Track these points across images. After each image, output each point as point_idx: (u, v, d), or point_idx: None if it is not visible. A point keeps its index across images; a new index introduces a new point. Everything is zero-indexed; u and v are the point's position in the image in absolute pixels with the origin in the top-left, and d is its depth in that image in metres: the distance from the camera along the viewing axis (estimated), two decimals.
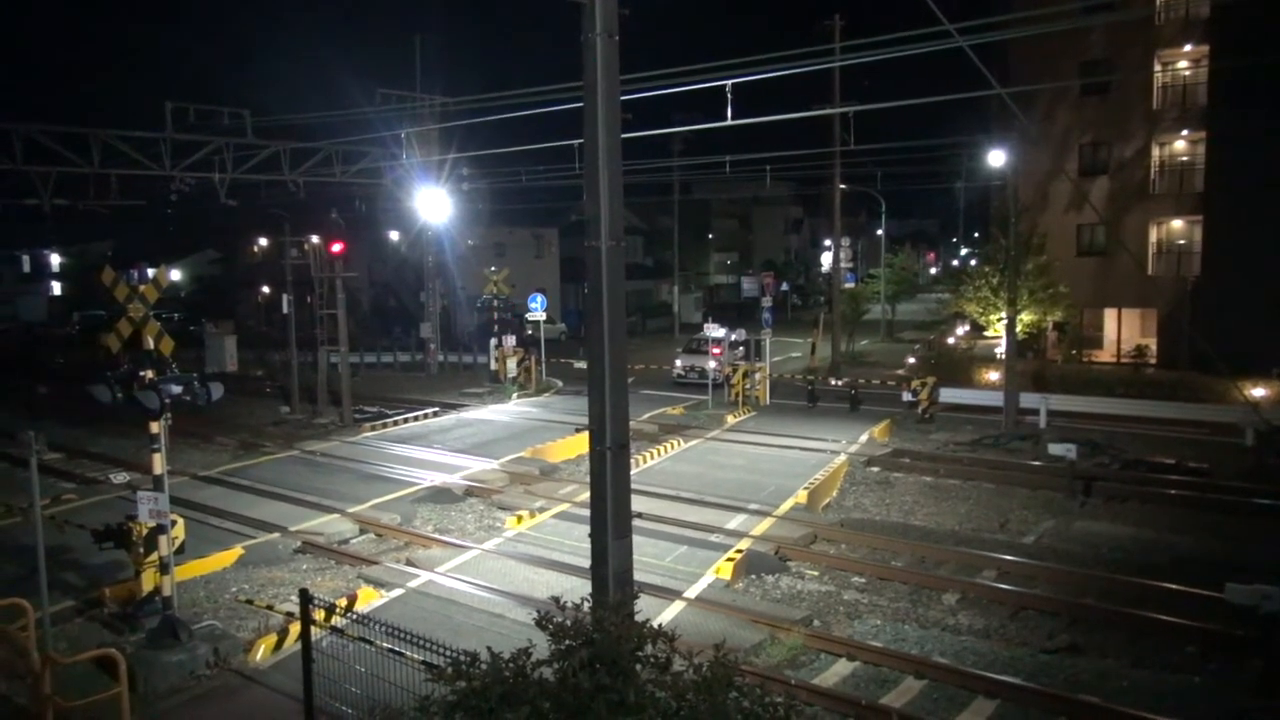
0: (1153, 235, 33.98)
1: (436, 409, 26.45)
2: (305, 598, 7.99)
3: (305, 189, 27.79)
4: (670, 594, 11.94)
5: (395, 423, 24.58)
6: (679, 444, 21.41)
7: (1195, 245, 32.91)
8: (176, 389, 9.91)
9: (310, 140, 26.75)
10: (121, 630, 10.96)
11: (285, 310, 27.79)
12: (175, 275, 59.00)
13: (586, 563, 7.87)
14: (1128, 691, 9.59)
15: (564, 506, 16.25)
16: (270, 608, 11.80)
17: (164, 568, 10.15)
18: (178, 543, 10.63)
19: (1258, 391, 23.96)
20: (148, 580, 10.76)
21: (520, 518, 15.67)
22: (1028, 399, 23.75)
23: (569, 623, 5.48)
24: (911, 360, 34.66)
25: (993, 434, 22.30)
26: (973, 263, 46.40)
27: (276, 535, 14.88)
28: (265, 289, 49.92)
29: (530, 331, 31.19)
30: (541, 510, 16.11)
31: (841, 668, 10.36)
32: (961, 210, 72.22)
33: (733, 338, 29.80)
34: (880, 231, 61.79)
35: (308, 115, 26.18)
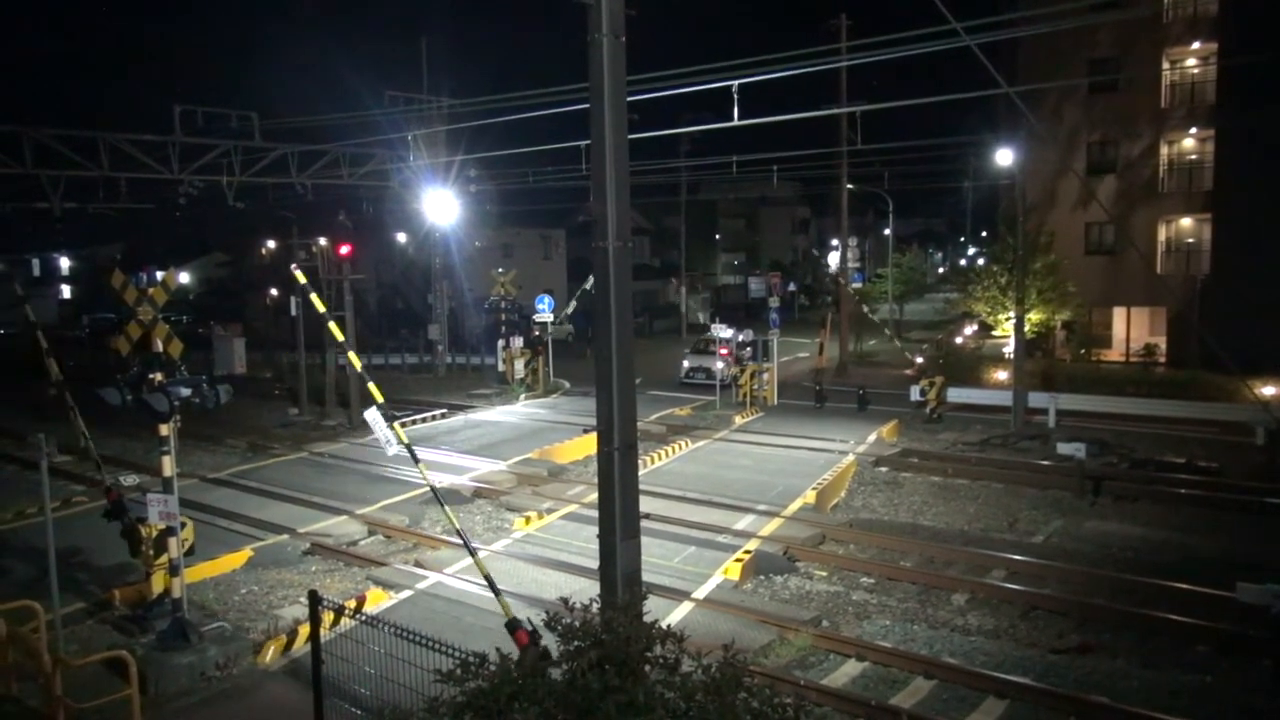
0: (1161, 234, 33.84)
1: (444, 410, 26.48)
2: (314, 599, 8.00)
3: (313, 191, 27.85)
4: (679, 595, 11.94)
5: (403, 424, 24.54)
6: (687, 444, 21.40)
7: (1204, 243, 32.75)
8: (185, 391, 9.95)
9: (318, 143, 26.80)
10: (132, 632, 10.99)
11: (293, 312, 27.89)
12: (184, 278, 59.26)
13: (595, 564, 7.86)
14: (1138, 691, 9.54)
15: (572, 507, 16.25)
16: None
17: (174, 570, 10.19)
18: (187, 545, 10.67)
19: (1268, 390, 23.79)
20: (157, 582, 10.82)
21: (528, 519, 15.69)
22: (1036, 398, 23.67)
23: (578, 623, 5.47)
24: (919, 360, 34.58)
25: (1001, 433, 22.23)
26: (980, 262, 46.24)
27: (285, 537, 14.93)
28: (274, 291, 50.10)
29: (537, 333, 31.22)
30: (549, 511, 16.12)
31: (851, 668, 10.35)
32: (969, 209, 72.02)
33: (740, 338, 29.76)
34: (888, 231, 61.60)
35: (315, 118, 26.25)
